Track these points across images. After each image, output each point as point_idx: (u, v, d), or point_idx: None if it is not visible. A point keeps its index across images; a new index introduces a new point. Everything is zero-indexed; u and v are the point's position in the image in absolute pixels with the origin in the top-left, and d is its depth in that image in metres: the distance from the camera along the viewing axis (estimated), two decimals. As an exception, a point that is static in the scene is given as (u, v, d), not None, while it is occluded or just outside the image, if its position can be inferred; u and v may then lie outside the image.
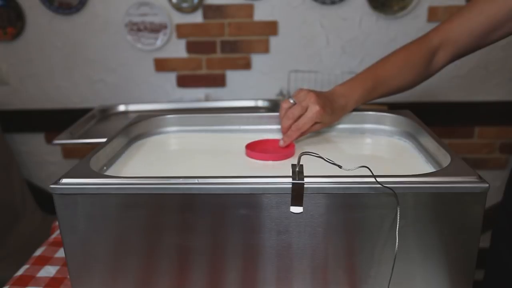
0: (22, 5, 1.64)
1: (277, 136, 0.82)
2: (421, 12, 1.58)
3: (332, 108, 0.74)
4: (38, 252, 0.82)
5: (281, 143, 0.75)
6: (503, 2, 0.73)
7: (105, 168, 0.67)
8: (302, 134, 0.75)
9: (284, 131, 0.75)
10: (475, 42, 0.79)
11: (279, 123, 0.84)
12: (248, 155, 0.73)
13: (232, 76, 1.71)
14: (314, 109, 0.72)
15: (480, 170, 1.76)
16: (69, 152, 1.82)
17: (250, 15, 1.62)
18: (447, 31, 0.80)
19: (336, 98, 0.76)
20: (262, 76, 1.70)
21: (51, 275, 0.75)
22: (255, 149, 0.74)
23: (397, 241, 0.53)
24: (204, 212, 0.55)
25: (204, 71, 1.70)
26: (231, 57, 1.68)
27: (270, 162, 0.71)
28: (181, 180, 0.54)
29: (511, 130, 1.72)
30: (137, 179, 0.56)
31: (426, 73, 0.83)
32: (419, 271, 0.56)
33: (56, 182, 0.56)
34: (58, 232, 0.89)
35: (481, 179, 0.53)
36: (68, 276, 0.68)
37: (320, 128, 0.76)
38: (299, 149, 0.75)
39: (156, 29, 1.63)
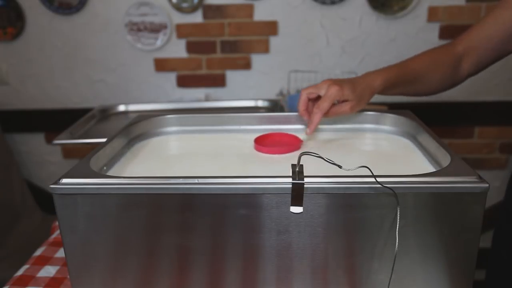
0: (22, 5, 1.64)
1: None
2: (421, 12, 1.58)
3: (352, 85, 0.73)
4: (38, 252, 0.82)
5: (307, 131, 0.75)
6: None
7: (105, 168, 0.67)
8: (332, 113, 0.74)
9: (301, 113, 0.77)
10: (496, 50, 0.79)
11: (280, 123, 0.85)
12: (256, 149, 0.75)
13: (232, 76, 1.71)
14: (329, 87, 0.72)
15: (480, 170, 1.76)
16: (69, 152, 1.82)
17: (250, 15, 1.62)
18: (469, 40, 0.81)
19: (355, 79, 0.76)
20: (262, 76, 1.70)
21: (51, 275, 0.75)
22: (263, 142, 0.76)
23: (397, 241, 0.53)
24: (204, 212, 0.55)
25: (204, 71, 1.70)
26: (231, 57, 1.68)
27: (269, 158, 0.71)
28: (181, 180, 0.54)
29: (511, 130, 1.72)
30: (137, 179, 0.56)
31: (454, 77, 0.83)
32: (419, 271, 0.56)
33: (56, 182, 0.56)
34: (58, 232, 0.89)
35: (481, 179, 0.53)
36: (68, 276, 0.68)
37: (350, 107, 0.74)
38: (302, 146, 0.76)
39: (156, 29, 1.63)
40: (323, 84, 0.74)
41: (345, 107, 0.74)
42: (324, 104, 0.72)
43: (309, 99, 0.77)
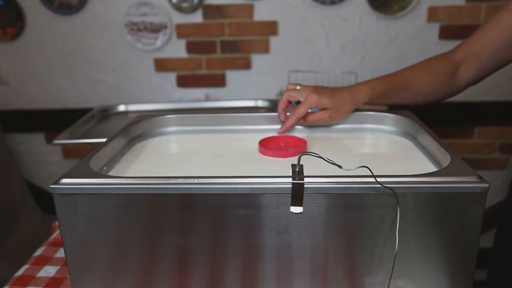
0: (22, 5, 1.64)
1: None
2: (421, 12, 1.58)
3: (332, 95, 0.76)
4: (38, 252, 0.82)
5: (279, 131, 0.80)
6: None
7: (105, 168, 0.67)
8: (310, 120, 0.78)
9: (279, 111, 0.82)
10: (499, 56, 0.78)
11: (280, 123, 0.85)
12: (261, 151, 0.74)
13: (232, 76, 1.71)
14: (308, 94, 0.76)
15: (480, 170, 1.76)
16: (69, 152, 1.82)
17: (250, 15, 1.62)
18: (469, 45, 0.80)
19: (338, 89, 0.78)
20: (262, 76, 1.70)
21: (51, 275, 0.75)
22: (268, 145, 0.75)
23: (397, 241, 0.53)
24: (204, 212, 0.55)
25: (204, 71, 1.70)
26: (231, 57, 1.68)
27: (271, 161, 0.71)
28: (181, 180, 0.54)
29: (511, 130, 1.72)
30: (137, 179, 0.56)
31: (451, 86, 0.83)
32: (419, 271, 0.56)
33: (56, 182, 0.56)
34: (58, 232, 0.89)
35: (481, 179, 0.53)
36: (68, 276, 0.68)
37: (328, 116, 0.77)
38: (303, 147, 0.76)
39: (156, 29, 1.63)
40: (305, 90, 0.78)
41: (324, 115, 0.77)
42: (300, 110, 0.77)
43: (289, 101, 0.81)
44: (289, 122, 0.79)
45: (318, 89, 0.77)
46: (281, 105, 0.81)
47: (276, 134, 0.81)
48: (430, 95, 0.83)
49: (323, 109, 0.77)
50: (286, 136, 0.80)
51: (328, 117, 0.77)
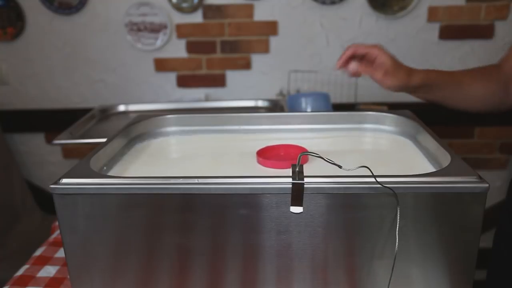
0: (22, 5, 1.64)
1: (278, 135, 0.82)
2: (421, 12, 1.58)
3: (394, 58, 0.75)
4: (38, 252, 0.82)
5: (338, 63, 0.76)
6: None
7: (105, 168, 0.67)
8: (362, 71, 0.76)
9: (340, 65, 0.77)
10: None
11: (280, 123, 0.85)
12: (259, 162, 0.69)
13: (232, 76, 1.71)
14: (373, 46, 0.74)
15: (480, 170, 1.76)
16: (69, 152, 1.82)
17: (250, 15, 1.62)
18: None
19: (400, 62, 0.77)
20: (262, 76, 1.70)
21: (51, 275, 0.75)
22: (266, 155, 0.71)
23: (397, 241, 0.53)
24: (204, 212, 0.55)
25: (204, 71, 1.70)
26: (231, 57, 1.68)
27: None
28: (181, 180, 0.55)
29: (511, 130, 1.72)
30: (137, 179, 0.56)
31: (503, 97, 0.80)
32: (419, 271, 0.56)
33: (56, 182, 0.56)
34: (58, 232, 0.89)
35: (481, 179, 0.53)
36: (68, 276, 0.68)
37: (382, 73, 0.74)
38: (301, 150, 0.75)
39: (156, 29, 1.63)
40: (375, 47, 0.75)
41: (379, 71, 0.74)
42: (360, 46, 0.74)
43: (354, 56, 0.76)
44: (346, 54, 0.75)
45: (382, 48, 0.75)
46: (343, 60, 0.76)
47: (272, 144, 0.75)
48: (481, 101, 0.81)
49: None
50: (286, 145, 0.75)
51: (382, 75, 0.73)
